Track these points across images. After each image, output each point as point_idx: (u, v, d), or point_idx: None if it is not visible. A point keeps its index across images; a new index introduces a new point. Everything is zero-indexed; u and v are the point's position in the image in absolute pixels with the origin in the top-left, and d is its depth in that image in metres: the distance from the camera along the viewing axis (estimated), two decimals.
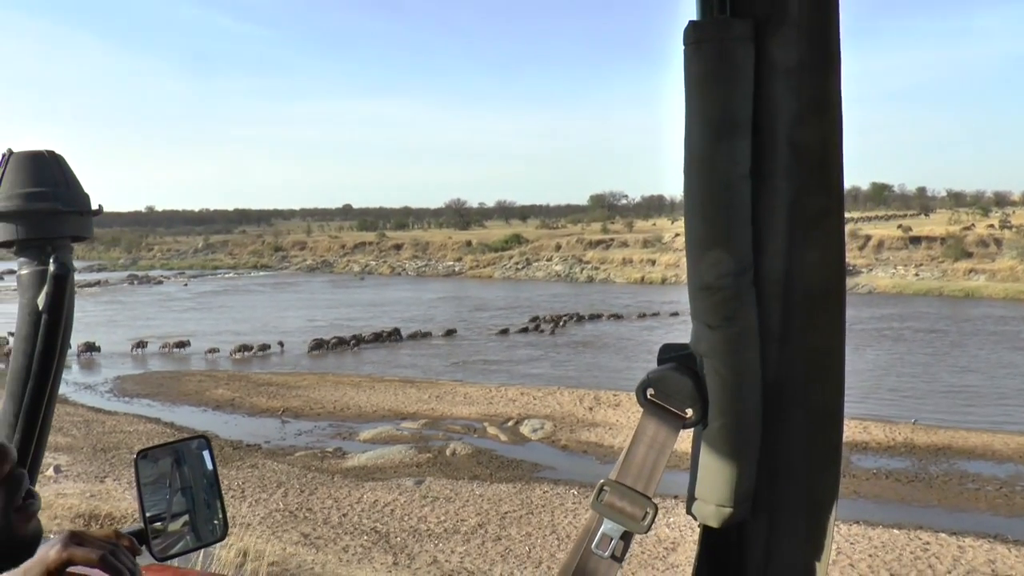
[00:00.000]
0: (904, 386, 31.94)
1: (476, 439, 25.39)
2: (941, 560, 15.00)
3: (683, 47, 1.09)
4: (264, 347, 43.54)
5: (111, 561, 1.27)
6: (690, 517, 1.19)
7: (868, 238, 76.33)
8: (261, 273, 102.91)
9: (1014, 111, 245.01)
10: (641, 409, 1.15)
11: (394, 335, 47.22)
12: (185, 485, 1.62)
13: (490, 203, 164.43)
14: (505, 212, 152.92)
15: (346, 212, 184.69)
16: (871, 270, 70.76)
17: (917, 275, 68.73)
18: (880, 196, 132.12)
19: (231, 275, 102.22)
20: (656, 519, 1.10)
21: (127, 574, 1.30)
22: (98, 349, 44.00)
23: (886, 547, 15.66)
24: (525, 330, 49.42)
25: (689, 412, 1.12)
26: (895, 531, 16.49)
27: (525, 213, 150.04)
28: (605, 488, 1.09)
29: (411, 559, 15.99)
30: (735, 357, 1.11)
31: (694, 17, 1.15)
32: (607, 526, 1.09)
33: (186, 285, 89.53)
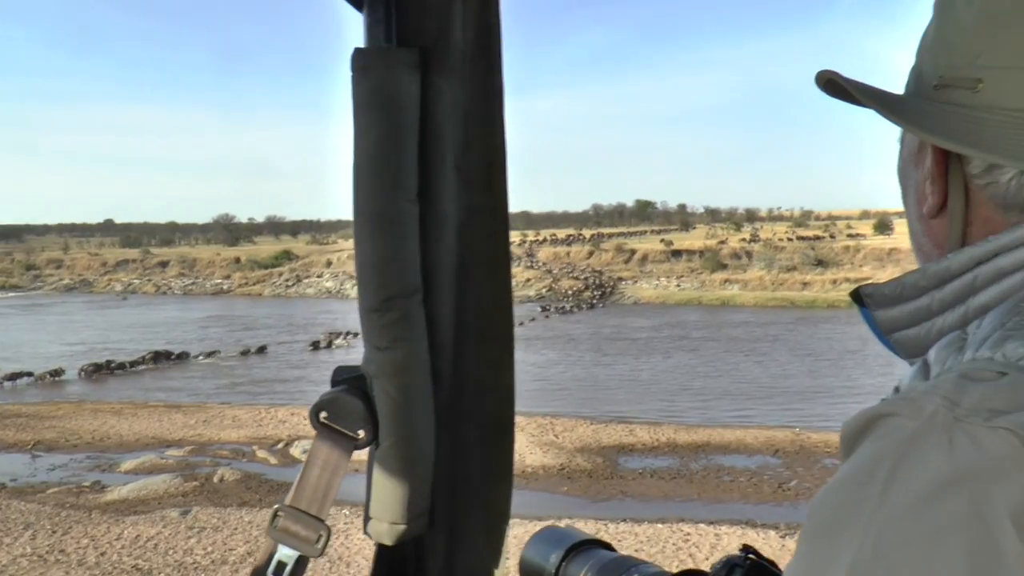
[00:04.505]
0: (669, 388, 34.03)
1: (245, 463, 24.47)
2: (700, 548, 16.01)
3: (350, 73, 1.09)
4: (56, 372, 39.98)
5: None
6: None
7: (633, 252, 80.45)
8: (10, 294, 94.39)
9: (761, 135, 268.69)
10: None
11: (163, 357, 44.91)
12: None
13: (260, 218, 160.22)
14: (275, 228, 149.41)
15: (107, 227, 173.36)
16: (636, 282, 74.72)
17: (678, 286, 73.34)
18: (644, 212, 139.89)
19: None
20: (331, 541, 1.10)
21: None
22: None
23: (651, 541, 16.53)
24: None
25: (361, 433, 1.13)
26: (659, 525, 17.43)
27: (296, 229, 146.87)
28: (279, 513, 1.09)
29: None
30: (403, 377, 1.12)
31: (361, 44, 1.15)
32: (282, 552, 1.08)
33: None
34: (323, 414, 1.13)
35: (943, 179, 0.78)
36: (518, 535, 1.23)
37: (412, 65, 1.08)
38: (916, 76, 0.81)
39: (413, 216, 1.11)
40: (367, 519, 1.19)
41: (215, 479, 22.71)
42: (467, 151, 1.12)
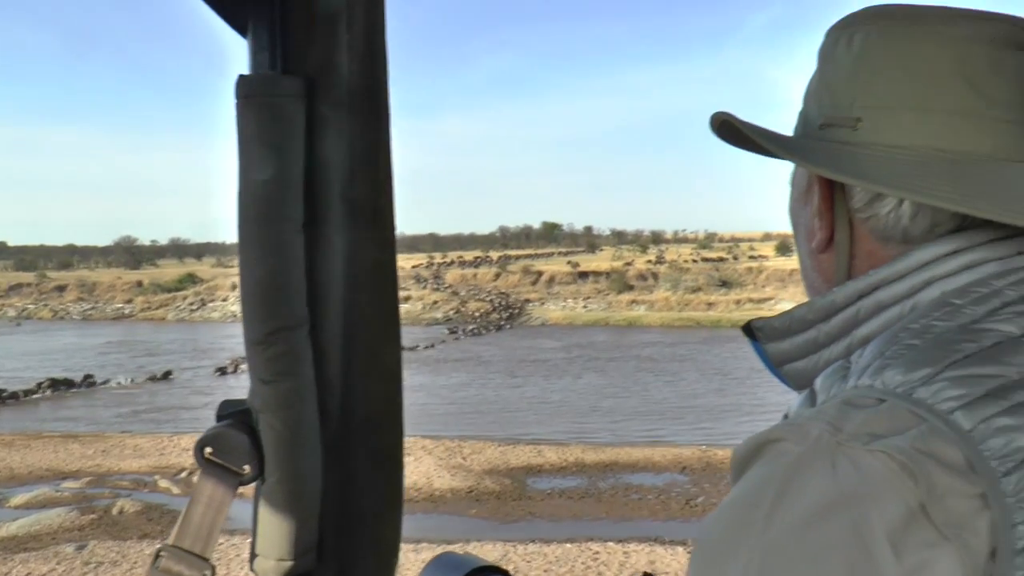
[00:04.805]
0: (579, 409, 34.24)
1: (147, 494, 23.54)
2: (609, 567, 16.12)
3: (235, 100, 1.07)
4: None
5: None
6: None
7: (540, 274, 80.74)
8: None
9: (666, 158, 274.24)
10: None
11: (61, 385, 43.10)
12: None
13: (163, 240, 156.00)
14: (179, 250, 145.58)
15: (0, 250, 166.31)
16: (543, 303, 75.14)
17: (586, 307, 74.00)
18: (551, 234, 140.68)
19: None
20: None
21: None
22: None
23: (560, 561, 16.56)
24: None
25: (246, 468, 1.09)
26: (568, 545, 17.47)
27: (201, 251, 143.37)
28: (162, 553, 1.05)
29: None
30: (289, 411, 1.10)
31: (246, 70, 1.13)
32: None
33: None
34: (208, 449, 1.09)
35: (829, 213, 0.83)
36: (425, 559, 1.23)
37: (297, 94, 1.07)
38: (803, 119, 0.87)
39: (299, 247, 1.09)
40: (253, 556, 1.15)
41: (114, 511, 21.80)
42: (354, 181, 1.10)
